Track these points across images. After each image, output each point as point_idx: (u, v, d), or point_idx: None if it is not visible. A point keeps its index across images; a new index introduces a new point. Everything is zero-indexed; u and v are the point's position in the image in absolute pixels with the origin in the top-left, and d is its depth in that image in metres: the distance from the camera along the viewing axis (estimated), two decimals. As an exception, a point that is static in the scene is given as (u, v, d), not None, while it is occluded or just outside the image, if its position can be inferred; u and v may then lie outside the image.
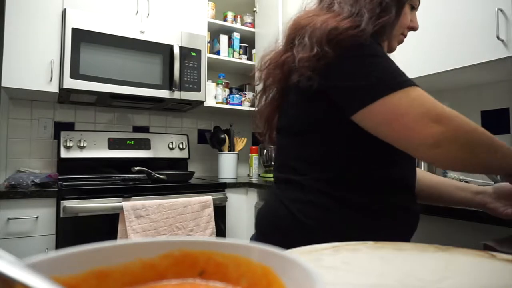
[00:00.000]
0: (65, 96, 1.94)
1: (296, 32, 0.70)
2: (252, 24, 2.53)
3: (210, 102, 2.30)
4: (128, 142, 2.17)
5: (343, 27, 0.63)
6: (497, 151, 0.60)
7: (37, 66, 1.76)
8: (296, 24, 0.72)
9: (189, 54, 2.09)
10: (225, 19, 2.49)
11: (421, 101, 0.59)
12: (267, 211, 0.77)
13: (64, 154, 1.98)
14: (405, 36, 0.82)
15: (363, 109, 0.61)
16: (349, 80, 0.63)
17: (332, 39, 0.63)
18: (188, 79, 2.08)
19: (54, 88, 1.80)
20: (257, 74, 0.82)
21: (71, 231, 1.52)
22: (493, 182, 1.43)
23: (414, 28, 0.81)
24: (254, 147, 2.42)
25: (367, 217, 0.67)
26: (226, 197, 1.89)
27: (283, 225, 0.70)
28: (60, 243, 1.52)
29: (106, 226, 1.57)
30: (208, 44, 2.33)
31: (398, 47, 0.85)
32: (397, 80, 0.60)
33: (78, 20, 1.81)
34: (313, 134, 0.70)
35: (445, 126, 0.57)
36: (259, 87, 0.82)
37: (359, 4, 0.68)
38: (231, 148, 2.35)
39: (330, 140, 0.69)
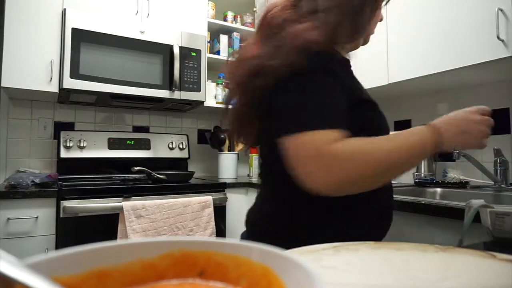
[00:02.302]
0: (65, 96, 1.94)
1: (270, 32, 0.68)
2: (252, 24, 2.53)
3: (210, 102, 2.30)
4: (128, 142, 2.17)
5: (309, 42, 0.62)
6: (400, 166, 0.61)
7: (37, 66, 1.76)
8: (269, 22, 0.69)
9: (189, 54, 2.09)
10: (225, 19, 2.49)
11: (312, 145, 0.57)
12: (258, 211, 0.77)
13: (64, 154, 1.98)
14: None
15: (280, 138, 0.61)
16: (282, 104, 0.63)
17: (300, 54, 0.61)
18: (188, 79, 2.09)
19: (54, 88, 1.80)
20: None
21: (71, 231, 1.52)
22: (493, 182, 1.43)
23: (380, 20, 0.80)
24: (254, 147, 2.42)
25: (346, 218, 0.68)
26: (226, 197, 1.89)
27: (275, 227, 0.71)
28: (60, 243, 1.52)
29: (106, 226, 1.57)
30: (208, 44, 2.33)
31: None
32: (309, 119, 0.59)
33: (78, 20, 1.81)
34: None
35: (337, 175, 0.57)
36: None
37: (334, 13, 0.66)
38: (231, 148, 2.35)
39: None
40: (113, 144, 2.12)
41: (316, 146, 0.57)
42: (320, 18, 0.65)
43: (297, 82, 0.62)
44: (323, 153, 0.56)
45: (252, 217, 0.79)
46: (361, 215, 0.69)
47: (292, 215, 0.69)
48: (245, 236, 0.80)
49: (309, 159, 0.57)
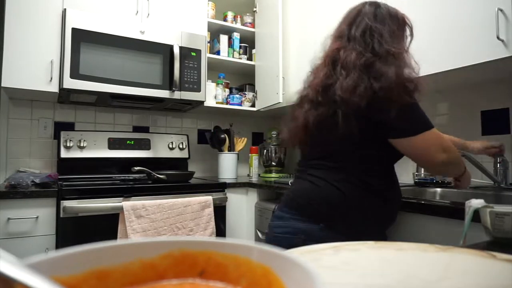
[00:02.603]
0: (65, 96, 1.94)
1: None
2: (252, 24, 2.53)
3: (210, 102, 2.30)
4: (128, 142, 2.17)
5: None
6: (462, 166, 1.06)
7: (37, 66, 1.77)
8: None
9: (189, 54, 2.09)
10: (225, 19, 2.49)
11: (437, 138, 0.95)
12: (315, 190, 0.96)
13: (64, 154, 1.98)
14: None
15: (405, 138, 0.92)
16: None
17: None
18: (188, 79, 2.09)
19: (54, 88, 1.80)
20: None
21: (71, 231, 1.52)
22: (492, 182, 1.43)
23: None
24: (254, 147, 2.42)
25: (380, 198, 0.97)
26: (226, 197, 1.89)
27: (330, 200, 0.94)
28: (60, 243, 1.52)
29: (106, 226, 1.57)
30: (208, 44, 2.33)
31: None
32: (427, 123, 0.94)
33: (78, 20, 1.81)
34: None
35: (448, 154, 0.95)
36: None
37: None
38: (231, 148, 2.35)
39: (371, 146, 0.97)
40: (113, 144, 2.12)
41: (441, 137, 0.96)
42: (396, 62, 0.92)
43: (415, 105, 0.94)
44: (445, 142, 0.96)
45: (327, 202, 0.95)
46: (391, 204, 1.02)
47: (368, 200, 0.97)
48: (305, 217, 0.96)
49: (439, 145, 0.94)
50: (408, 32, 1.06)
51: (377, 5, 1.05)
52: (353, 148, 0.96)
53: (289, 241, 0.93)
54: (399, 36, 1.03)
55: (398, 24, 1.03)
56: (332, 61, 0.98)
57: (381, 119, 0.91)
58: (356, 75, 0.90)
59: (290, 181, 1.81)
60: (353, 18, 1.03)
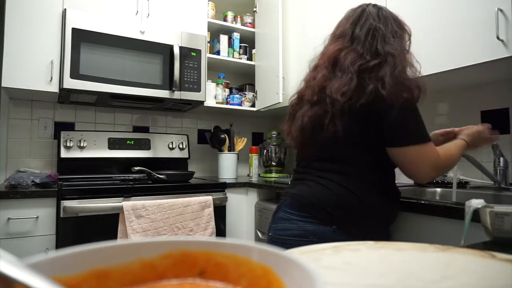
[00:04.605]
0: (65, 96, 1.94)
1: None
2: (252, 24, 2.53)
3: (210, 102, 2.30)
4: (128, 142, 2.17)
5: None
6: (456, 159, 1.04)
7: (37, 66, 1.77)
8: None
9: (189, 54, 2.09)
10: (225, 19, 2.49)
11: (431, 155, 0.93)
12: (327, 193, 0.95)
13: (64, 154, 1.98)
14: None
15: (400, 148, 0.92)
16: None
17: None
18: (188, 79, 2.09)
19: (54, 88, 1.80)
20: None
21: (71, 231, 1.52)
22: (492, 182, 1.43)
23: None
24: (254, 147, 2.42)
25: (389, 199, 1.00)
26: (226, 197, 1.89)
27: (344, 203, 0.93)
28: (60, 243, 1.52)
29: (106, 226, 1.57)
30: (208, 44, 2.33)
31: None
32: (424, 136, 0.92)
33: (78, 20, 1.81)
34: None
35: (436, 173, 0.96)
36: None
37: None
38: (231, 148, 2.35)
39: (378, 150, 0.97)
40: (113, 144, 2.12)
41: (434, 155, 0.94)
42: (396, 61, 0.93)
43: (415, 111, 0.93)
44: (437, 160, 0.94)
45: (343, 203, 0.95)
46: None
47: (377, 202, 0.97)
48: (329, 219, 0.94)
49: (430, 162, 0.93)
50: (407, 37, 1.09)
51: (379, 7, 1.08)
52: (356, 150, 0.96)
53: (299, 244, 0.91)
54: (401, 36, 1.05)
55: (399, 25, 1.06)
56: (332, 63, 0.98)
57: (379, 122, 0.92)
58: (349, 76, 0.91)
59: (288, 181, 1.80)
60: (357, 17, 1.05)
